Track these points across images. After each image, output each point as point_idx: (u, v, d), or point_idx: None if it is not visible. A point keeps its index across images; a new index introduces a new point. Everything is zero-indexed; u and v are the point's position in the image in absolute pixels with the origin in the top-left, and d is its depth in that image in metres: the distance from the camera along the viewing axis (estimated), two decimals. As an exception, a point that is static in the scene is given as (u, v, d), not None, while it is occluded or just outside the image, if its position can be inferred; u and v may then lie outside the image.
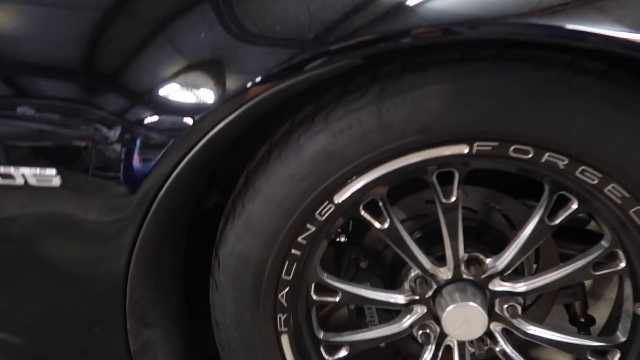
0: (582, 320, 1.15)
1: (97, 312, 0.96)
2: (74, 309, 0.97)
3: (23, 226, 0.87)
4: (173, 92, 0.79)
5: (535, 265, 1.11)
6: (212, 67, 0.79)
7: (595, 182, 0.85)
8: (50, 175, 0.78)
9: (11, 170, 0.78)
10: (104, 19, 0.81)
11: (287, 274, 0.95)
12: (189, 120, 0.79)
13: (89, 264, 0.89)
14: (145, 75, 0.78)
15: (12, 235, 0.88)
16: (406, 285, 1.03)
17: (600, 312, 1.17)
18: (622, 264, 0.94)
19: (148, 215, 0.83)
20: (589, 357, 1.00)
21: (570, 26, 0.72)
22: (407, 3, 0.75)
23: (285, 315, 0.99)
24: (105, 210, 0.83)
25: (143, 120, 0.79)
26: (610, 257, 0.95)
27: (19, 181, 0.78)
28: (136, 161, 0.80)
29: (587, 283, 1.36)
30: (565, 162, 0.84)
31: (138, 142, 0.79)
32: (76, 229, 0.85)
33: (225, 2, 0.80)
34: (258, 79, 0.77)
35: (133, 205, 0.82)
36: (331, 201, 0.90)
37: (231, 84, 0.78)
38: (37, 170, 0.78)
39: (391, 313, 1.11)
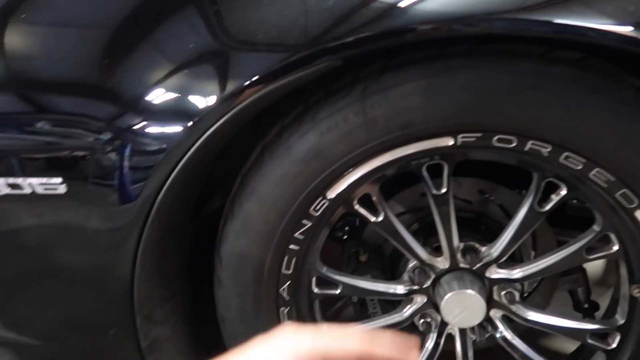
0: (586, 306, 1.16)
1: (109, 314, 1.02)
2: (87, 313, 1.02)
3: (34, 234, 0.93)
4: (163, 99, 0.83)
5: (533, 252, 1.12)
6: (199, 73, 0.83)
7: (580, 167, 0.87)
8: (55, 184, 0.84)
9: (19, 180, 0.84)
10: (95, 31, 0.86)
11: (287, 268, 0.99)
12: (180, 126, 0.83)
13: (97, 268, 0.94)
14: (136, 83, 0.83)
15: (25, 244, 0.94)
16: (405, 276, 1.06)
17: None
18: (615, 247, 0.95)
19: (148, 220, 0.88)
20: (589, 341, 1.01)
21: (576, 22, 0.73)
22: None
23: (288, 308, 1.03)
24: (108, 216, 0.88)
25: (137, 127, 0.84)
26: (603, 241, 0.96)
27: (27, 190, 0.84)
28: (134, 168, 0.85)
29: (593, 269, 1.37)
30: (549, 149, 0.86)
31: (134, 149, 0.84)
32: (83, 235, 0.90)
33: (211, 8, 0.84)
34: (245, 83, 0.81)
35: (134, 211, 0.87)
36: (324, 197, 0.94)
37: (218, 89, 0.82)
38: (44, 180, 0.84)
39: (393, 304, 1.14)
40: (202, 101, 0.83)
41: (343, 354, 0.47)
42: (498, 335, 1.06)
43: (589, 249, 0.96)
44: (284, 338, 0.48)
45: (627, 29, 0.74)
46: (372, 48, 0.79)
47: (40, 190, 0.84)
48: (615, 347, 1.00)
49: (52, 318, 1.04)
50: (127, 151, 0.83)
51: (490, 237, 1.02)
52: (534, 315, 1.03)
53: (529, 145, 0.86)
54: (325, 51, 0.79)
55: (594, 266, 1.25)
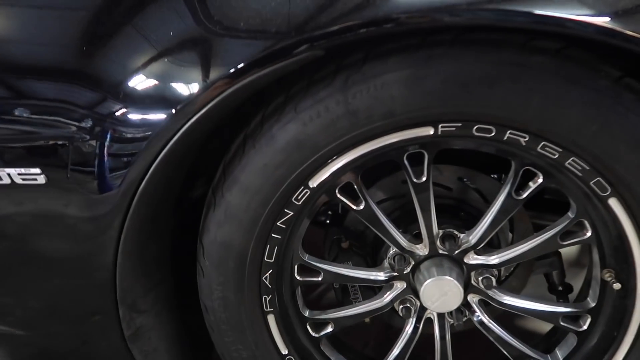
0: (560, 288, 1.20)
1: (92, 303, 1.01)
2: (70, 301, 1.02)
3: (16, 224, 0.92)
4: (145, 86, 0.82)
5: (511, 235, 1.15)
6: (182, 60, 0.82)
7: (556, 156, 0.89)
8: (35, 174, 0.83)
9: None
10: (75, 14, 0.84)
11: (269, 257, 1.00)
12: (162, 114, 0.82)
13: (80, 257, 0.94)
14: (117, 70, 0.82)
15: (7, 233, 0.93)
16: (385, 263, 1.08)
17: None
18: (589, 234, 0.98)
19: (130, 208, 0.88)
20: (562, 323, 1.05)
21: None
22: None
23: (271, 296, 1.04)
24: (89, 205, 0.87)
25: (119, 115, 0.82)
26: (577, 227, 0.99)
27: (5, 181, 0.83)
28: (115, 156, 0.84)
29: (568, 250, 1.41)
30: (526, 139, 0.88)
31: (115, 137, 0.83)
32: (65, 224, 0.90)
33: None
34: (229, 71, 0.81)
35: (115, 199, 0.86)
36: (306, 186, 0.94)
37: (201, 77, 0.82)
38: (22, 170, 0.83)
39: (374, 290, 1.16)
40: (184, 89, 0.82)
41: None
42: (475, 319, 1.09)
43: (564, 234, 0.99)
44: None
45: (604, 20, 0.75)
46: (355, 37, 0.79)
47: (19, 180, 0.83)
48: (586, 329, 1.04)
49: (35, 307, 1.03)
50: (108, 139, 0.82)
51: (470, 223, 1.05)
52: (509, 300, 1.06)
53: (507, 134, 0.88)
54: (308, 40, 0.79)
55: (569, 247, 1.29)
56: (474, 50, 0.83)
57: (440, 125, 0.88)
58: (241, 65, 0.81)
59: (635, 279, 0.95)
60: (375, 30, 0.79)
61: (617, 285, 0.98)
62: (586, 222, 0.97)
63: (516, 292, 1.15)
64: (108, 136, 0.83)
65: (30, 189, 0.85)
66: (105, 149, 0.83)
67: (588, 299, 1.05)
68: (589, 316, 1.04)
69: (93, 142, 0.82)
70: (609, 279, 0.99)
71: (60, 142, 0.82)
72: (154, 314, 1.07)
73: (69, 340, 1.08)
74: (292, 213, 0.97)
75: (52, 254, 0.95)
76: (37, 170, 0.84)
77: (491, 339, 1.09)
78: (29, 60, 0.86)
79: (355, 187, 0.98)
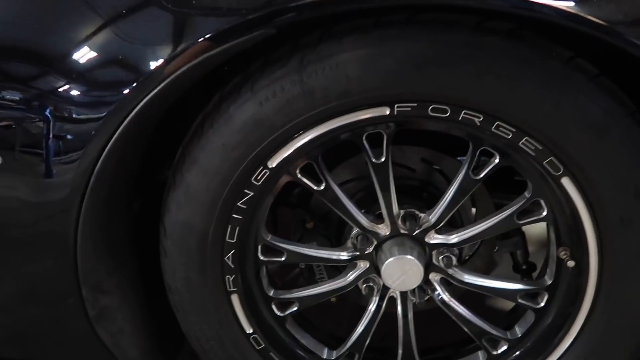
0: (524, 267, 1.22)
1: (57, 285, 1.02)
2: (37, 284, 1.02)
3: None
4: (97, 65, 0.82)
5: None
6: (137, 35, 0.82)
7: (510, 136, 0.90)
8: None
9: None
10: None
11: (231, 237, 1.01)
12: (115, 95, 0.82)
13: (40, 240, 0.94)
14: (68, 45, 0.81)
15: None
16: (349, 243, 1.09)
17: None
18: (544, 212, 1.00)
19: (87, 189, 0.88)
20: (520, 300, 1.07)
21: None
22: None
23: (234, 275, 1.05)
24: (44, 186, 0.87)
25: (72, 95, 0.82)
26: (534, 206, 1.01)
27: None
28: (69, 136, 0.84)
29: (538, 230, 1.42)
30: (481, 119, 0.89)
31: (68, 116, 0.83)
32: (22, 206, 0.90)
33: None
34: (188, 46, 0.80)
35: (72, 180, 0.87)
36: (265, 166, 0.95)
37: (153, 57, 0.81)
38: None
39: (339, 270, 1.17)
40: (141, 64, 0.82)
41: None
42: (437, 297, 1.11)
43: (520, 213, 1.01)
44: None
45: (568, 4, 0.76)
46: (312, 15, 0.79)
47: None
48: (543, 306, 1.06)
49: (4, 290, 1.03)
50: (60, 119, 0.82)
51: (433, 203, 1.06)
52: (469, 278, 1.08)
53: (462, 115, 0.89)
54: (272, 15, 0.79)
55: (539, 227, 1.31)
56: (427, 30, 0.84)
57: (396, 106, 0.89)
58: (202, 39, 0.80)
59: (588, 257, 0.97)
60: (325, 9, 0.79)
61: (571, 263, 1.00)
62: (542, 201, 0.99)
63: (482, 271, 1.17)
64: (59, 115, 0.82)
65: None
66: (57, 129, 0.82)
67: (545, 276, 1.07)
68: (546, 293, 1.06)
69: (44, 123, 0.82)
70: (564, 257, 1.01)
71: (8, 123, 0.82)
72: (118, 294, 1.07)
73: (40, 322, 1.09)
74: (252, 193, 0.97)
75: (14, 237, 0.96)
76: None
77: (452, 316, 1.11)
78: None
79: (316, 167, 0.99)
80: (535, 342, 1.09)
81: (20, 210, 0.90)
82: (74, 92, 0.83)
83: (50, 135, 0.84)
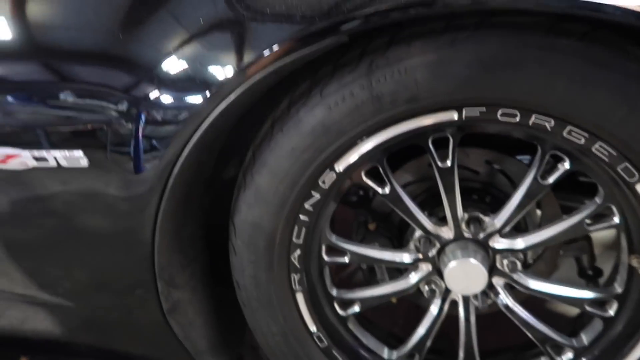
0: (590, 272, 1.19)
1: (133, 277, 1.08)
2: (113, 275, 1.09)
3: (62, 203, 0.99)
4: (178, 72, 0.86)
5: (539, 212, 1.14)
6: (216, 43, 0.86)
7: (582, 141, 0.88)
8: (78, 157, 0.89)
9: (44, 153, 0.90)
10: (111, 3, 0.88)
11: (298, 237, 1.04)
12: (197, 97, 0.86)
13: (120, 234, 1.00)
14: (152, 53, 0.86)
15: (54, 211, 1.00)
16: (411, 245, 1.10)
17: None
18: (616, 219, 0.97)
19: (166, 188, 0.93)
20: (588, 309, 1.05)
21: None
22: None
23: (299, 275, 1.08)
24: (127, 184, 0.93)
25: (154, 98, 0.87)
26: (606, 212, 0.98)
27: (52, 163, 0.89)
28: (151, 138, 0.89)
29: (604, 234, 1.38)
30: (552, 124, 0.88)
31: (150, 119, 0.88)
32: (106, 204, 0.96)
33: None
34: (263, 54, 0.83)
35: (152, 179, 0.92)
36: (332, 169, 0.97)
37: (235, 60, 0.85)
38: (66, 153, 0.89)
39: (400, 271, 1.18)
40: (219, 71, 0.86)
41: None
42: (500, 302, 1.10)
43: (591, 219, 0.98)
44: None
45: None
46: (384, 22, 0.80)
47: (64, 163, 0.89)
48: (613, 315, 1.03)
49: (81, 280, 1.11)
50: (143, 121, 0.87)
51: (497, 207, 1.05)
52: (534, 284, 1.06)
53: (532, 119, 0.88)
54: (340, 24, 0.81)
55: (606, 231, 1.26)
56: (498, 33, 0.83)
57: (464, 110, 0.89)
58: (276, 47, 0.83)
59: (664, 266, 0.94)
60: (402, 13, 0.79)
61: (644, 272, 0.97)
62: (614, 208, 0.96)
63: (545, 275, 1.15)
64: (143, 118, 0.87)
65: (74, 170, 0.92)
66: (141, 131, 0.88)
67: (615, 284, 1.04)
68: (616, 302, 1.03)
69: (130, 125, 0.88)
70: (636, 265, 0.98)
71: (99, 126, 0.88)
72: (190, 289, 1.13)
73: (113, 311, 1.16)
74: (319, 196, 1.00)
75: (95, 231, 1.02)
76: (80, 153, 0.90)
77: (516, 322, 1.10)
78: (70, 45, 0.91)
79: (381, 170, 1.01)
80: (604, 351, 1.07)
81: (104, 206, 0.96)
82: (156, 97, 0.88)
83: (133, 137, 0.89)
